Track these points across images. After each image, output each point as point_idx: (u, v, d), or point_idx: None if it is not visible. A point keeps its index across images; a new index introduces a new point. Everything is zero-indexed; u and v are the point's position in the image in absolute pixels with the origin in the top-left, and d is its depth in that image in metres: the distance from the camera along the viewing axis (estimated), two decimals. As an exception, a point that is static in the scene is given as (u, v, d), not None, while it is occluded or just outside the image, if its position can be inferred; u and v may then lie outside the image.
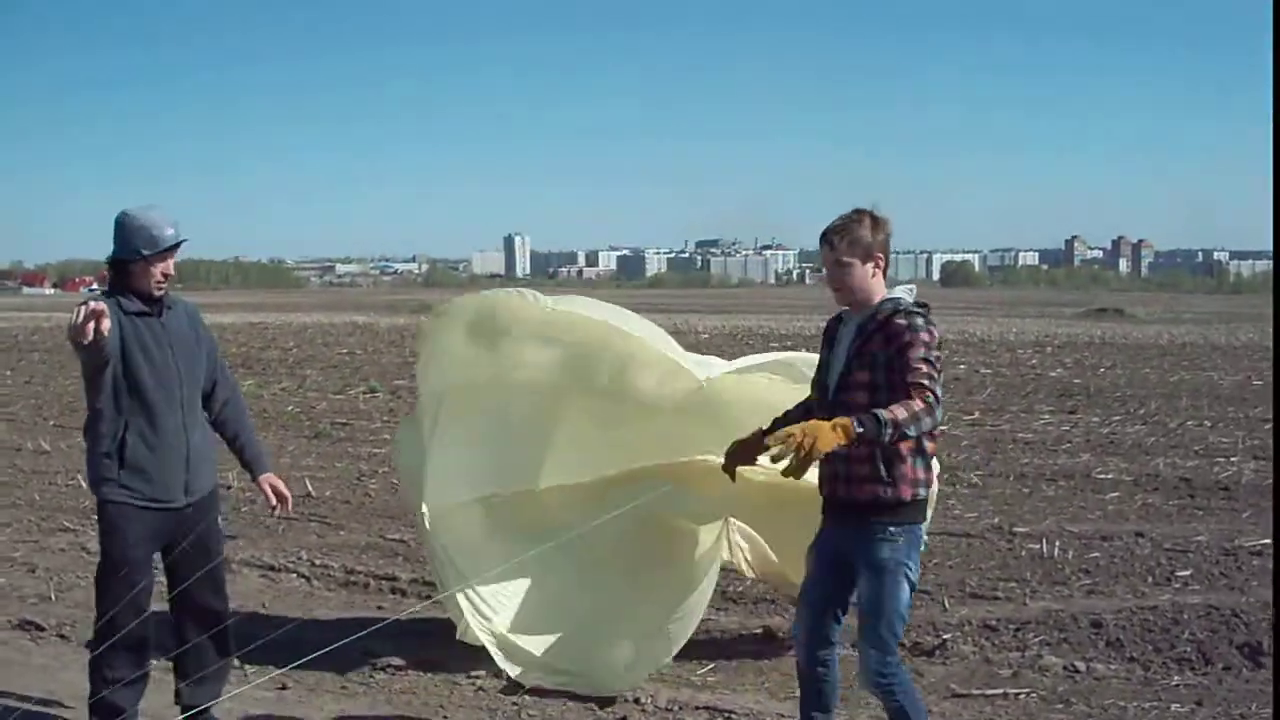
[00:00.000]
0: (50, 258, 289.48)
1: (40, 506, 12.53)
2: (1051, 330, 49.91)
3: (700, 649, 7.63)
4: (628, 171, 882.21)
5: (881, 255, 5.19)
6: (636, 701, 6.86)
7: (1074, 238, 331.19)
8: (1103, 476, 13.67)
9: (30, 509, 12.40)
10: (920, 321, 4.97)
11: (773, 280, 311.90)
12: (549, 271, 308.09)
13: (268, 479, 6.18)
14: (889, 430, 4.67)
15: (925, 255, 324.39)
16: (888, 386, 4.94)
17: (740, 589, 9.06)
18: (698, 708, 6.78)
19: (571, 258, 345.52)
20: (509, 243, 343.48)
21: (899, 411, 4.71)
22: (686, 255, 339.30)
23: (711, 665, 7.50)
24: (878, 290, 5.19)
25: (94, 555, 10.17)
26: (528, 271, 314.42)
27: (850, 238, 5.14)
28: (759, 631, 8.20)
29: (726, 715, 6.68)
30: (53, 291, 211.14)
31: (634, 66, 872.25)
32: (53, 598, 9.24)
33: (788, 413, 5.53)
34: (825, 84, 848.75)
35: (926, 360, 4.86)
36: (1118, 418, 19.16)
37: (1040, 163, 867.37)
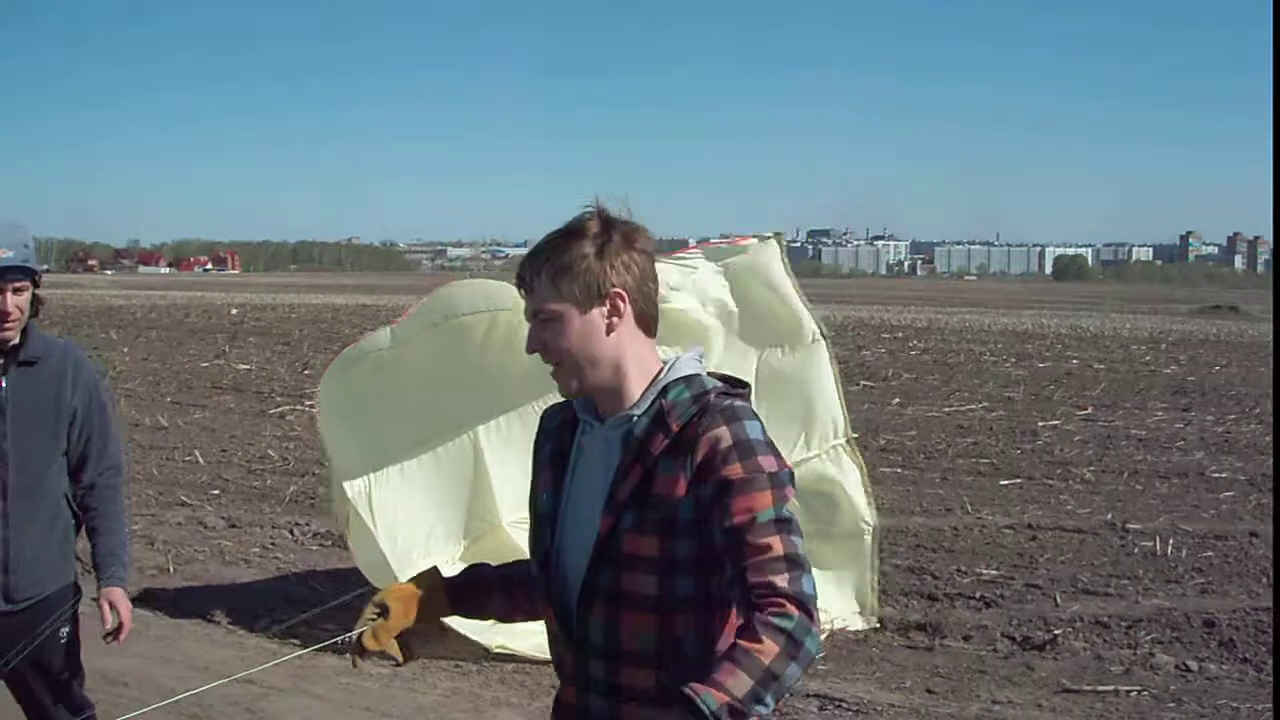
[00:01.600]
0: (166, 237, 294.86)
1: (158, 481, 12.85)
2: (1165, 327, 49.29)
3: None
4: (739, 159, 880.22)
5: (626, 294, 2.70)
6: None
7: (1189, 233, 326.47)
8: (1217, 475, 13.52)
9: (149, 483, 12.69)
10: (750, 426, 2.59)
11: (884, 271, 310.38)
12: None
13: (109, 594, 4.63)
14: None
15: (1038, 249, 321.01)
16: (698, 570, 2.58)
17: None
18: (808, 695, 6.83)
19: (682, 245, 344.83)
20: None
21: (738, 679, 2.33)
22: (798, 244, 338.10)
23: (822, 654, 7.48)
24: (634, 364, 2.72)
25: (210, 529, 10.52)
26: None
27: (556, 267, 2.69)
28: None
29: (837, 703, 6.73)
30: (168, 270, 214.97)
31: (733, 59, 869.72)
32: (170, 570, 9.51)
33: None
34: (941, 70, 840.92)
35: (779, 521, 2.47)
36: (1232, 416, 18.92)
37: (1156, 157, 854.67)
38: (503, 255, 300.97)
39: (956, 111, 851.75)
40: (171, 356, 27.38)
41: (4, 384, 4.33)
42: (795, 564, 2.46)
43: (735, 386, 2.73)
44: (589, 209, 2.75)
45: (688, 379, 2.70)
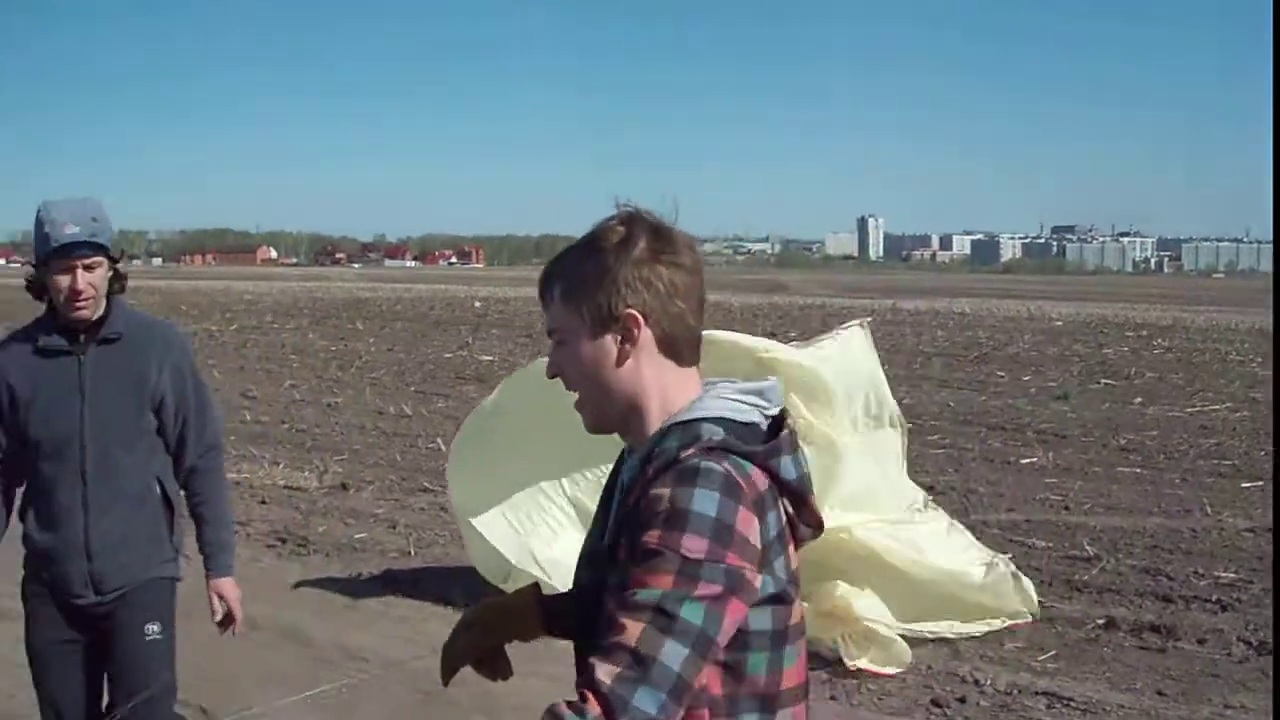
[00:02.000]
0: (411, 231, 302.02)
1: (401, 467, 13.29)
2: None
3: (1043, 636, 7.68)
4: (983, 154, 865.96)
5: (645, 315, 2.26)
6: (976, 684, 6.91)
7: None
8: None
9: (392, 469, 13.15)
10: (700, 496, 2.08)
11: (1129, 268, 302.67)
12: (901, 255, 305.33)
13: (217, 585, 4.56)
14: None
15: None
16: None
17: (1085, 578, 8.95)
18: (1037, 693, 6.78)
19: (924, 241, 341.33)
20: (862, 224, 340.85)
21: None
22: (1041, 241, 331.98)
23: (1053, 652, 7.45)
24: (655, 397, 2.29)
25: (450, 515, 10.81)
26: (880, 254, 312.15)
27: (568, 282, 2.32)
28: (1102, 621, 8.03)
29: (1066, 702, 6.66)
30: (413, 264, 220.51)
31: (993, 44, 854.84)
32: (412, 553, 9.83)
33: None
34: (1192, 61, 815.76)
35: (659, 610, 2.02)
36: None
37: None
38: (745, 251, 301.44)
39: (1207, 104, 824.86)
40: (416, 347, 28.20)
41: (83, 362, 4.23)
42: (639, 664, 1.99)
43: (734, 449, 2.16)
44: (626, 207, 2.32)
45: (687, 424, 2.22)
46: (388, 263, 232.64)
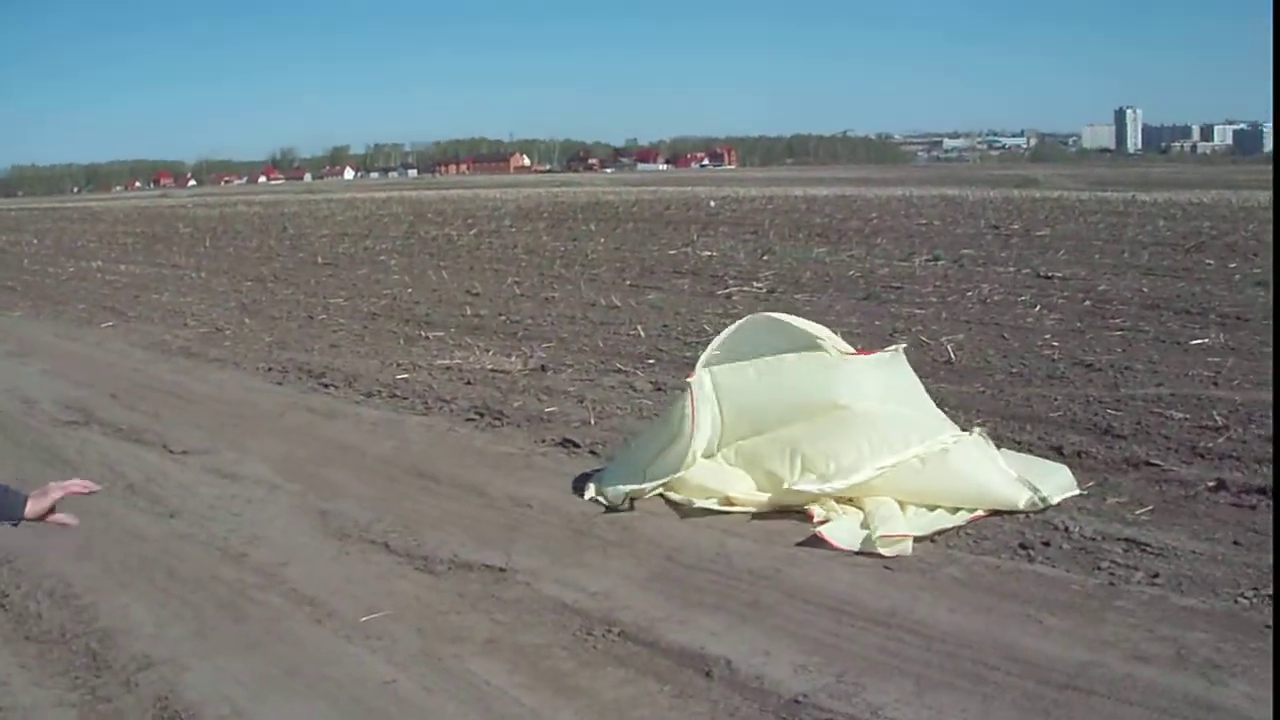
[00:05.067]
0: (663, 135, 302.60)
1: (601, 351, 14.37)
2: None
3: (1145, 492, 8.20)
4: (1246, 39, 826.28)
5: None
6: (1065, 530, 7.47)
7: None
8: None
9: (592, 353, 14.24)
10: None
11: None
12: (1160, 146, 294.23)
13: None
14: None
15: None
16: None
17: (1209, 445, 9.27)
18: (1118, 540, 7.30)
19: (1185, 132, 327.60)
20: (1119, 116, 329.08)
21: None
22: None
23: (1150, 507, 7.91)
24: None
25: (637, 391, 11.81)
26: (1139, 146, 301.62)
27: None
28: (1212, 484, 8.36)
29: (1142, 547, 7.14)
30: (665, 167, 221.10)
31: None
32: (591, 422, 10.82)
33: None
34: None
35: None
36: None
37: None
38: (999, 146, 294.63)
39: None
40: (643, 246, 29.15)
41: None
42: None
43: None
44: None
45: None
46: (640, 167, 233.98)
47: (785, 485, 8.03)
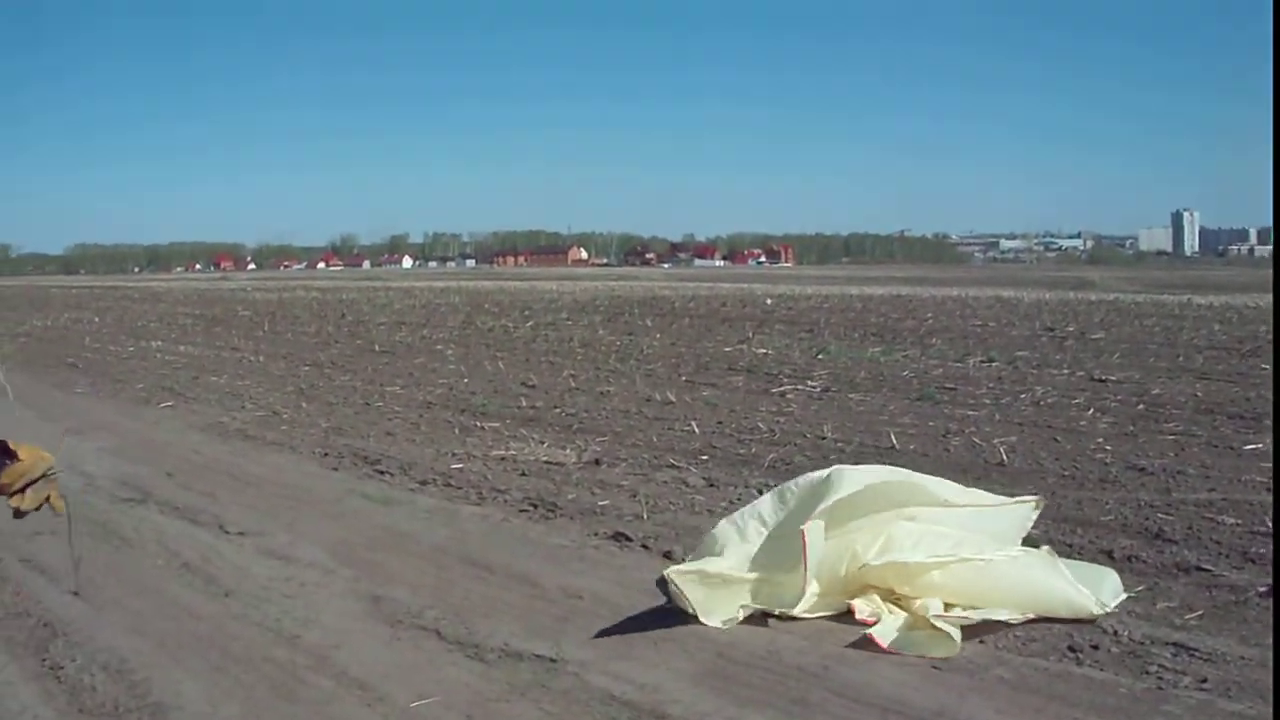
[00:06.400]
0: (720, 231, 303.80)
1: (655, 447, 14.40)
2: None
3: (1195, 597, 8.18)
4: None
5: None
6: (1115, 634, 7.47)
7: None
8: None
9: (646, 449, 14.30)
10: None
11: None
12: (1218, 249, 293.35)
13: None
14: None
15: None
16: None
17: (1261, 550, 9.25)
18: (1166, 644, 7.29)
19: (1242, 235, 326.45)
20: (1176, 218, 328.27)
21: None
22: None
23: (1200, 612, 7.89)
24: None
25: (690, 487, 11.87)
26: (1196, 248, 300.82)
27: None
28: (1263, 589, 8.33)
29: (1191, 652, 7.13)
30: (722, 263, 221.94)
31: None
32: (644, 517, 10.87)
33: None
34: None
35: None
36: None
37: None
38: (1056, 247, 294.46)
39: None
40: (698, 342, 29.33)
41: None
42: None
43: None
44: None
45: None
46: (696, 262, 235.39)
47: (854, 568, 8.03)
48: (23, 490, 3.12)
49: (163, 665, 7.30)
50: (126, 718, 6.52)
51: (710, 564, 8.32)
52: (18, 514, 3.14)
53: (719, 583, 8.07)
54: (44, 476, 3.12)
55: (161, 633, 7.91)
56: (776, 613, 7.99)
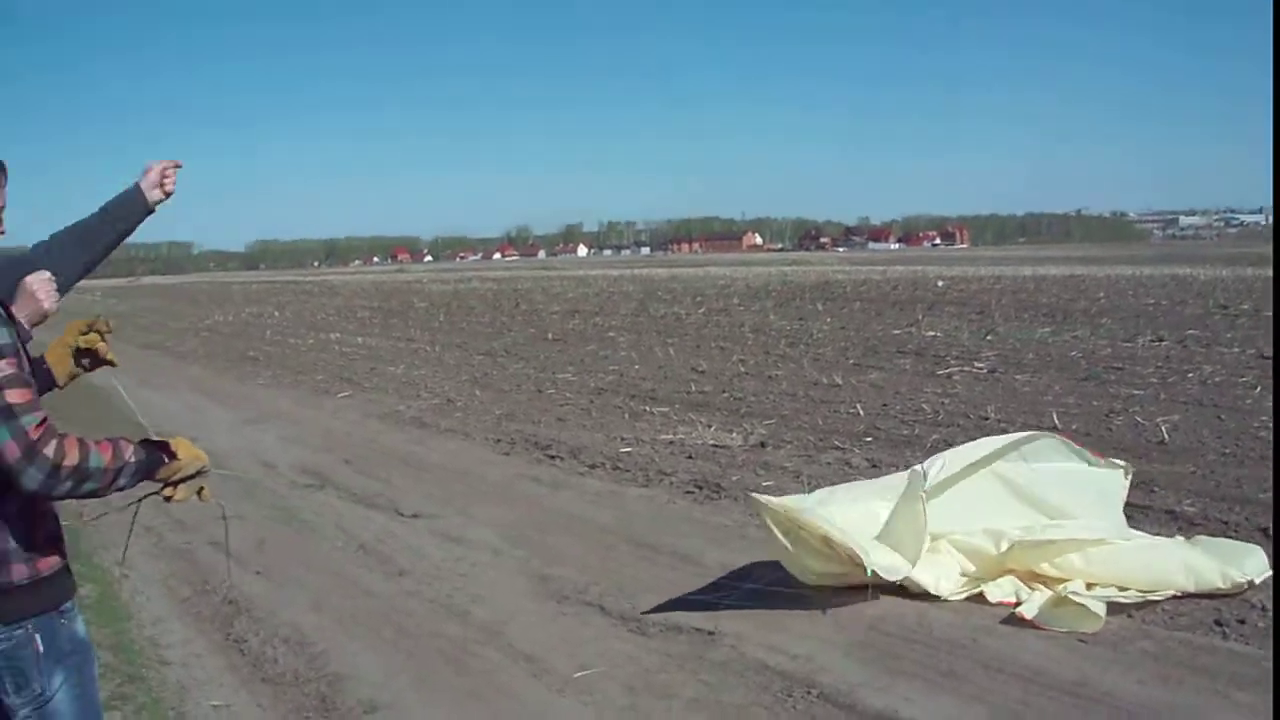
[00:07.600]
0: (895, 214, 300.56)
1: (820, 430, 14.55)
2: None
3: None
4: None
5: None
6: (1262, 609, 7.40)
7: None
8: None
9: (811, 431, 14.45)
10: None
11: None
12: None
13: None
14: None
15: None
16: None
17: None
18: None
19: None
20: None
21: None
22: None
23: None
24: None
25: (853, 468, 12.00)
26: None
27: None
28: None
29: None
30: (897, 246, 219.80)
31: None
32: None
33: None
34: None
35: None
36: None
37: None
38: (1237, 223, 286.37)
39: None
40: (867, 325, 29.34)
41: None
42: None
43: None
44: None
45: None
46: (871, 246, 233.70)
47: (995, 552, 8.15)
48: (176, 484, 3.55)
49: (340, 639, 7.71)
50: (306, 687, 6.91)
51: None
52: (167, 500, 3.67)
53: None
54: (198, 474, 3.56)
55: (339, 609, 8.33)
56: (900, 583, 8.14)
